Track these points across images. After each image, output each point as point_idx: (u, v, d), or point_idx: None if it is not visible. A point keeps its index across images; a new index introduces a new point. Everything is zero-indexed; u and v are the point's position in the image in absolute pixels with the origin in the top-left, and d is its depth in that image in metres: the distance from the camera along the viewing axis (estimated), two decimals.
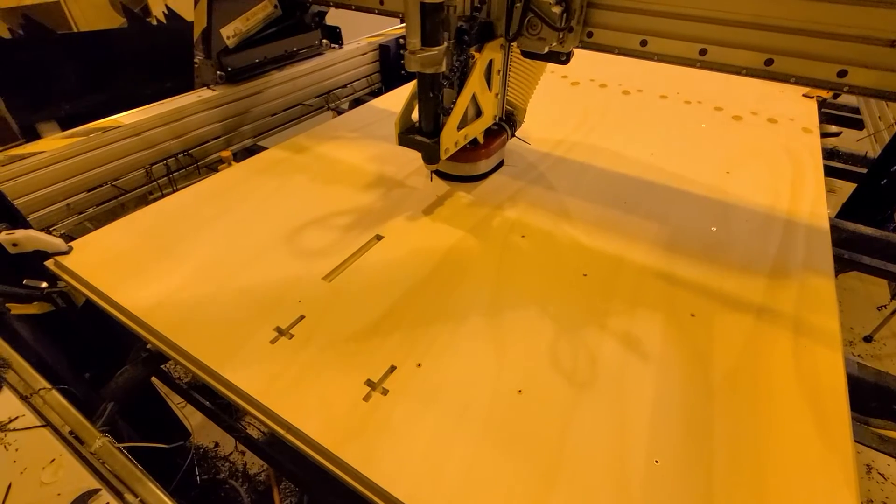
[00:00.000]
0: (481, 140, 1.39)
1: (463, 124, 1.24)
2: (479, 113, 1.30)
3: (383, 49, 2.37)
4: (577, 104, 1.98)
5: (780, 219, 1.31)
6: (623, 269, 1.13)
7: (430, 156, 1.20)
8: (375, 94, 2.41)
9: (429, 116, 1.16)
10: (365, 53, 2.30)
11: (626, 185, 1.45)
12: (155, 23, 2.90)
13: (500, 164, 1.54)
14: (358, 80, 2.31)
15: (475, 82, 1.19)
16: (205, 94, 1.70)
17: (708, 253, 1.18)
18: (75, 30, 3.09)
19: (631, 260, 1.16)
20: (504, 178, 1.49)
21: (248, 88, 1.82)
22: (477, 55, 1.17)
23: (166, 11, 2.76)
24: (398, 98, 2.04)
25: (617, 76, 2.23)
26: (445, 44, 1.04)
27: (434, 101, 1.13)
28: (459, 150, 1.28)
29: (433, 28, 0.98)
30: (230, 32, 1.68)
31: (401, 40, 2.39)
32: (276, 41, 1.90)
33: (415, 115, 1.23)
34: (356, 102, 2.31)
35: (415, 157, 1.24)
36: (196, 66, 1.74)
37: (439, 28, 1.00)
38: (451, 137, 1.20)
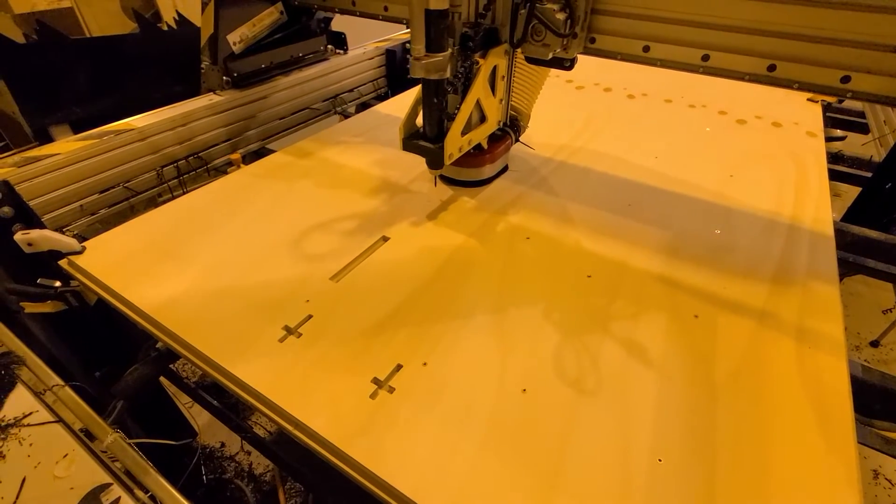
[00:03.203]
0: (485, 145, 1.39)
1: (467, 130, 1.24)
2: (483, 118, 1.30)
3: (389, 54, 2.40)
4: (582, 108, 1.99)
5: (784, 223, 1.31)
6: (626, 272, 1.14)
7: (435, 161, 1.20)
8: (382, 98, 2.43)
9: (433, 122, 1.16)
10: (371, 58, 2.32)
11: (630, 189, 1.46)
12: (165, 28, 2.94)
13: (505, 168, 1.54)
14: (364, 84, 2.33)
15: (479, 88, 1.19)
16: (211, 99, 1.72)
17: (711, 256, 1.19)
18: (88, 35, 3.15)
19: (634, 263, 1.17)
20: (508, 183, 1.50)
21: (254, 93, 1.85)
22: (481, 61, 1.17)
23: (176, 17, 2.80)
24: (402, 103, 2.07)
25: (622, 80, 2.24)
26: (450, 50, 1.03)
27: (438, 106, 1.13)
28: (464, 155, 1.28)
29: (438, 34, 0.98)
30: (236, 38, 1.70)
31: (407, 45, 2.42)
32: (282, 47, 1.92)
33: (419, 121, 1.22)
34: (363, 106, 2.33)
35: (419, 161, 1.25)
36: (202, 71, 1.76)
37: (444, 34, 0.99)
38: (456, 143, 1.20)
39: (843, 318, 1.01)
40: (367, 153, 1.64)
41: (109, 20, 3.23)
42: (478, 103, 1.23)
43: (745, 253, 1.20)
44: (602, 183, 1.49)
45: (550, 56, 1.12)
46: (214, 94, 1.76)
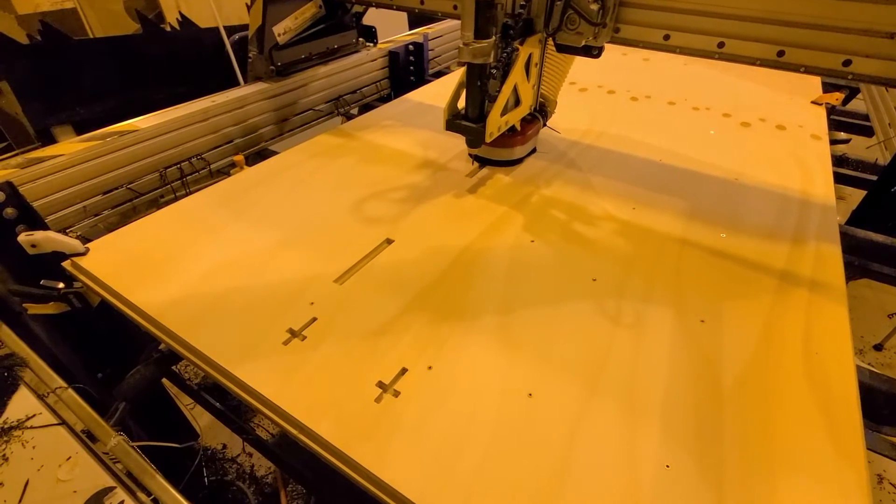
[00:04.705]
0: (518, 127, 1.50)
1: (505, 111, 1.34)
2: (517, 102, 1.41)
3: (392, 55, 2.40)
4: (585, 110, 1.99)
5: (790, 225, 1.31)
6: (632, 273, 1.14)
7: (476, 139, 1.30)
8: (384, 99, 2.43)
9: (475, 103, 1.27)
10: (374, 60, 2.32)
11: (634, 188, 1.46)
12: (168, 29, 2.95)
13: (533, 150, 1.66)
14: (367, 85, 2.33)
15: (517, 73, 1.29)
16: (258, 86, 1.84)
17: (717, 256, 1.19)
18: (91, 36, 3.15)
19: (640, 264, 1.17)
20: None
21: (293, 82, 1.98)
22: (520, 48, 1.26)
23: (180, 18, 2.81)
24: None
25: (625, 82, 2.24)
26: (493, 38, 1.15)
27: (481, 89, 1.24)
28: (498, 136, 1.38)
29: (484, 23, 1.10)
30: (281, 30, 1.83)
31: (410, 47, 2.42)
32: (318, 39, 2.05)
33: (460, 104, 1.34)
34: (365, 108, 2.33)
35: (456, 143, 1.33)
36: (250, 60, 1.88)
37: (489, 23, 1.11)
38: (495, 123, 1.31)
39: (849, 321, 1.00)
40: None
41: (113, 21, 3.24)
42: (515, 87, 1.33)
43: (750, 254, 1.19)
44: (607, 182, 1.48)
45: (583, 43, 1.22)
46: (260, 81, 1.89)
